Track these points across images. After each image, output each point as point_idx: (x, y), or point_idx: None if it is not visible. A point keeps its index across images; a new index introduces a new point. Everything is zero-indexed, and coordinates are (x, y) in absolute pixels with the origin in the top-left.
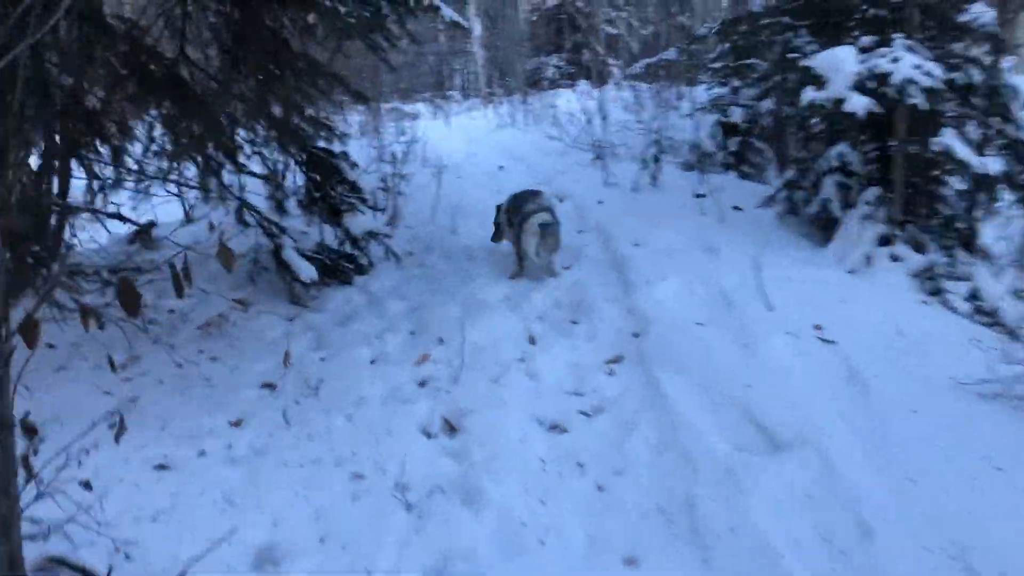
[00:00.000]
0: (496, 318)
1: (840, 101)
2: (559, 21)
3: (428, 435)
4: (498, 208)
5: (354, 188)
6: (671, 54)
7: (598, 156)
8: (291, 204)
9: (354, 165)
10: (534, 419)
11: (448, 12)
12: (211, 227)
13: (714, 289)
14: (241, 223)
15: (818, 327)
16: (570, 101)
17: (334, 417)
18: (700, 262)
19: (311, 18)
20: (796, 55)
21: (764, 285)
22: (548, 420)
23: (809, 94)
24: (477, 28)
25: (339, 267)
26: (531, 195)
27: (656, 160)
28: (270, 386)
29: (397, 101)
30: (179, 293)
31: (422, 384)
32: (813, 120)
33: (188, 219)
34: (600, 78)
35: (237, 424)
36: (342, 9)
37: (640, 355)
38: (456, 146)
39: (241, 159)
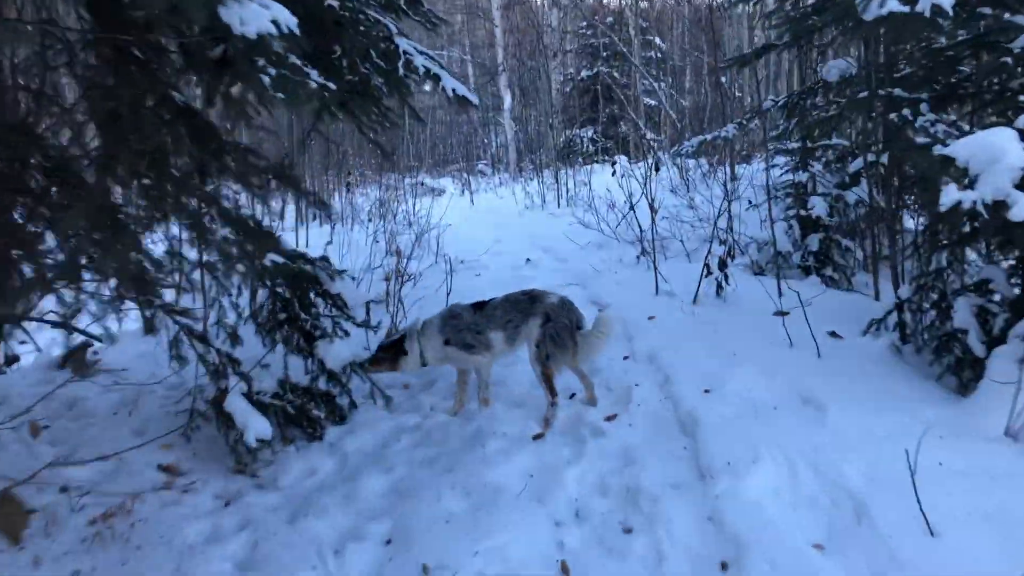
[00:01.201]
0: (512, 523)
1: (1000, 205)
2: (593, 92)
3: None
4: (402, 339)
5: (337, 302)
6: (729, 130)
7: (644, 252)
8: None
9: (337, 273)
10: None
11: (451, 84)
12: None
13: (833, 482)
14: (176, 359)
15: None
16: (609, 188)
17: None
18: (803, 428)
19: (235, 90)
20: (927, 140)
21: (905, 478)
22: None
23: (953, 194)
24: (507, 100)
25: (306, 414)
26: (543, 295)
27: (723, 267)
28: None
29: (425, 174)
30: None
31: None
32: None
33: (149, 330)
34: (638, 151)
35: None
36: (267, 78)
37: None
38: (479, 231)
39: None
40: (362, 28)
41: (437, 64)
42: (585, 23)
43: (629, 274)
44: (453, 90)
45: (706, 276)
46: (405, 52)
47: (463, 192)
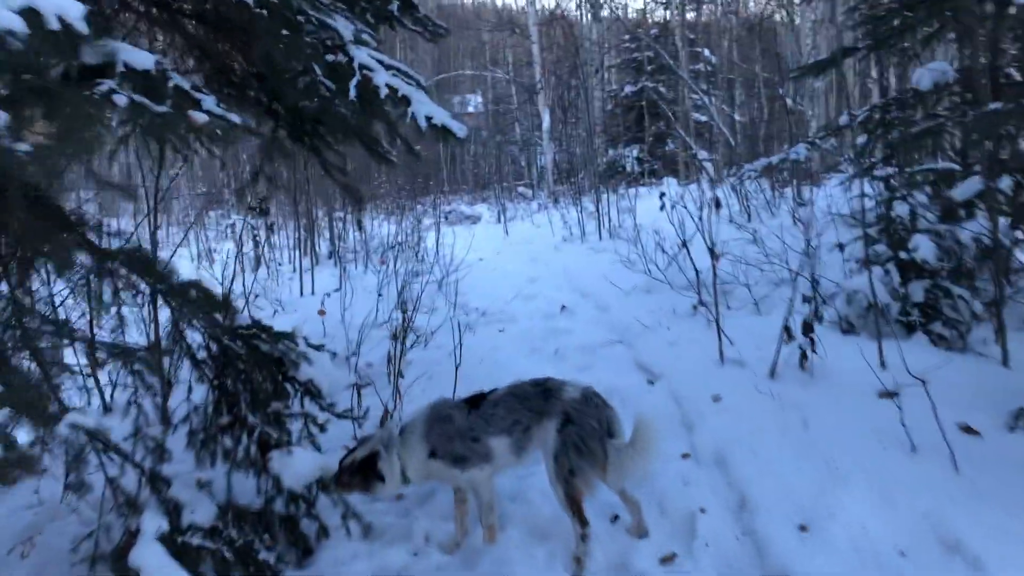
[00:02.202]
0: None
1: None
2: (638, 109)
3: None
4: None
5: (310, 389)
6: (799, 151)
7: (702, 302)
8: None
9: (304, 357)
10: None
11: (424, 109)
12: None
13: None
14: (74, 488)
15: None
16: (658, 230)
17: None
18: None
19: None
20: None
21: None
22: None
23: None
24: (546, 119)
25: (252, 557)
26: (560, 388)
27: (808, 331)
28: None
29: (460, 198)
30: None
31: None
32: None
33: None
34: (688, 172)
35: None
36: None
37: None
38: (508, 268)
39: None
40: (286, 33)
41: (412, 83)
42: (628, 36)
43: (684, 330)
44: (428, 119)
45: (786, 342)
46: (363, 67)
47: (499, 219)
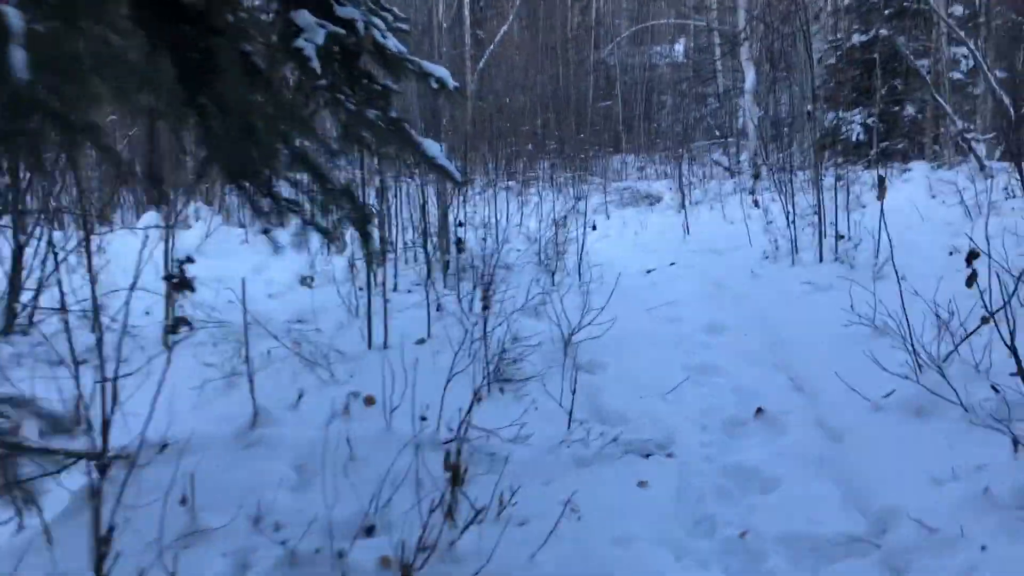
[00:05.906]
0: None
1: None
2: (868, 63)
3: None
4: None
5: None
6: None
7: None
8: None
9: None
10: None
11: None
12: None
13: None
14: None
15: None
16: (910, 231)
17: None
18: None
19: None
20: None
21: None
22: None
23: None
24: (750, 76)
25: None
26: None
27: None
28: None
29: (643, 167)
30: None
31: None
32: None
33: None
34: (941, 152)
35: None
36: None
37: None
38: (680, 301)
39: None
40: None
41: None
42: None
43: (1017, 559)
44: None
45: None
46: None
47: (680, 207)
